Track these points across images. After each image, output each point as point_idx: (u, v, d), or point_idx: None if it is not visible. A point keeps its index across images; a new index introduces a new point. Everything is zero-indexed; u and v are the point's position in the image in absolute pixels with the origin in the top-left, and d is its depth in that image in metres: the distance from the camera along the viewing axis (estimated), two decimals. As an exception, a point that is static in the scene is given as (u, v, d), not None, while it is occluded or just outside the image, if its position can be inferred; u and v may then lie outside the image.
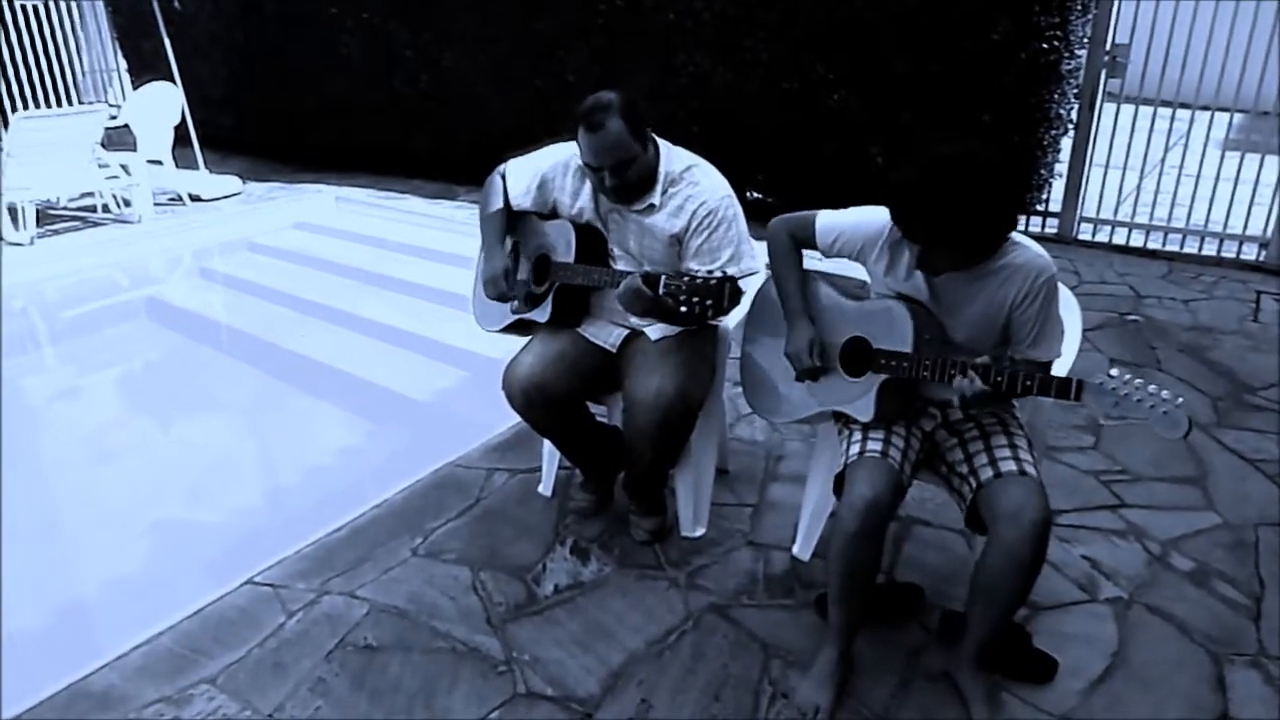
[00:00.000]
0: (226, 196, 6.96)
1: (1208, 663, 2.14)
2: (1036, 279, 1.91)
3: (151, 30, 7.16)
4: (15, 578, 2.66)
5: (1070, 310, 2.33)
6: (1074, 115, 5.23)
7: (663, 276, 2.07)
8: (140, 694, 2.07)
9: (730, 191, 2.34)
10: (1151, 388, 1.69)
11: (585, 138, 2.21)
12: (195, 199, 6.81)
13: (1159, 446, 3.06)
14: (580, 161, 2.40)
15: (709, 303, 2.01)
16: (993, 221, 1.83)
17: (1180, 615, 2.29)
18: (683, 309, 2.03)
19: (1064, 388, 1.76)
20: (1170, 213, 5.29)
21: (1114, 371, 1.73)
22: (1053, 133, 5.12)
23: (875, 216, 2.04)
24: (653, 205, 2.31)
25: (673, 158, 2.35)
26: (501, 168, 2.59)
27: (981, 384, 1.80)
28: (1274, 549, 2.54)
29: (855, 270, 2.16)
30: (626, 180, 2.25)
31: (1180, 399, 1.67)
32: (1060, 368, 2.08)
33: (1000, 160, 1.79)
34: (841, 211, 2.13)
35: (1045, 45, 4.78)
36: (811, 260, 2.22)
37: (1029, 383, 1.78)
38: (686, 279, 2.02)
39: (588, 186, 2.42)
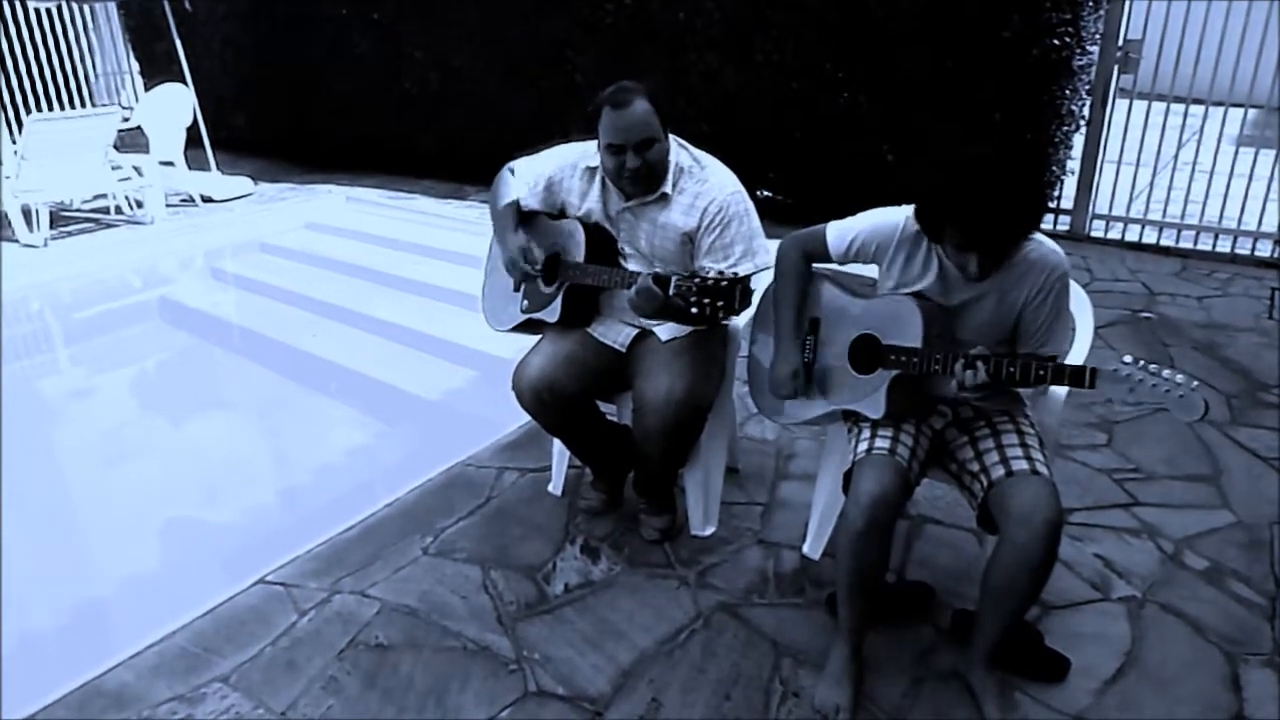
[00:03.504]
0: (238, 197, 7.00)
1: (1222, 662, 2.13)
2: (1050, 275, 1.91)
3: (163, 32, 7.19)
4: (30, 577, 2.68)
5: (1082, 308, 2.33)
6: (1086, 112, 5.20)
7: (673, 278, 2.07)
8: (154, 692, 2.08)
9: (740, 187, 2.33)
10: (1166, 372, 1.70)
11: (611, 115, 2.19)
12: (207, 200, 6.84)
13: (1173, 444, 3.04)
14: (587, 164, 2.41)
15: (720, 304, 2.00)
16: (1036, 214, 1.85)
17: (1194, 614, 2.28)
18: (693, 310, 2.02)
19: (1078, 376, 1.76)
20: (1184, 209, 5.26)
21: (1128, 358, 1.73)
22: (1065, 129, 5.10)
23: (886, 217, 2.05)
24: (665, 194, 2.31)
25: (682, 152, 2.36)
26: (510, 165, 2.59)
27: (985, 375, 1.80)
28: (1289, 548, 2.53)
29: (860, 269, 2.16)
30: (648, 162, 2.23)
31: (1195, 382, 1.68)
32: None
33: (1024, 153, 1.81)
34: (850, 218, 2.12)
35: (1057, 41, 4.75)
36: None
37: (1042, 372, 1.78)
38: (697, 280, 2.02)
39: (596, 187, 2.42)
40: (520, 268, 2.44)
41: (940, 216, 1.84)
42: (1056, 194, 5.41)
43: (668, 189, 2.31)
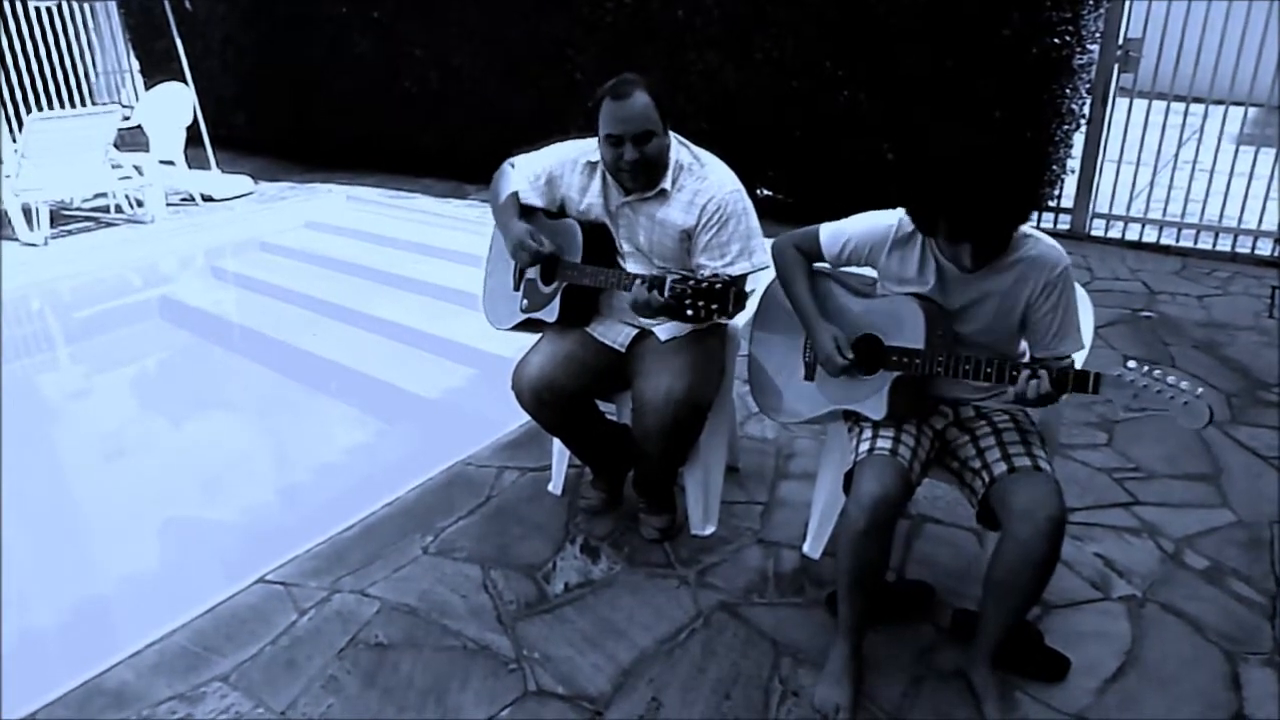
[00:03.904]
0: (238, 196, 7.00)
1: (1222, 661, 2.12)
2: (1052, 272, 1.90)
3: (163, 31, 7.20)
4: (30, 575, 2.68)
5: (1083, 307, 2.32)
6: (1086, 110, 5.20)
7: (668, 279, 2.07)
8: (154, 691, 2.09)
9: (739, 186, 2.33)
10: (1171, 378, 1.69)
11: (611, 106, 2.20)
12: (207, 199, 6.84)
13: (1173, 444, 3.04)
14: (588, 160, 2.41)
15: (714, 306, 2.00)
16: (1028, 201, 1.86)
17: (1194, 613, 2.28)
18: (688, 312, 2.02)
19: (1082, 381, 1.75)
20: (1184, 208, 5.26)
21: (1132, 364, 1.72)
22: (1065, 128, 5.10)
23: (879, 219, 2.05)
24: (664, 191, 2.31)
25: (682, 149, 2.36)
26: (510, 160, 2.59)
27: (1049, 385, 1.77)
28: (1289, 547, 2.53)
29: (863, 269, 2.16)
30: (646, 155, 2.23)
31: (1200, 389, 1.67)
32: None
33: (1014, 141, 1.80)
34: (844, 220, 2.12)
35: (1057, 40, 4.75)
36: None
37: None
38: (691, 283, 2.02)
39: (596, 183, 2.42)
40: (529, 247, 2.41)
41: (931, 209, 1.83)
42: (1057, 193, 5.41)
43: (666, 185, 2.31)
